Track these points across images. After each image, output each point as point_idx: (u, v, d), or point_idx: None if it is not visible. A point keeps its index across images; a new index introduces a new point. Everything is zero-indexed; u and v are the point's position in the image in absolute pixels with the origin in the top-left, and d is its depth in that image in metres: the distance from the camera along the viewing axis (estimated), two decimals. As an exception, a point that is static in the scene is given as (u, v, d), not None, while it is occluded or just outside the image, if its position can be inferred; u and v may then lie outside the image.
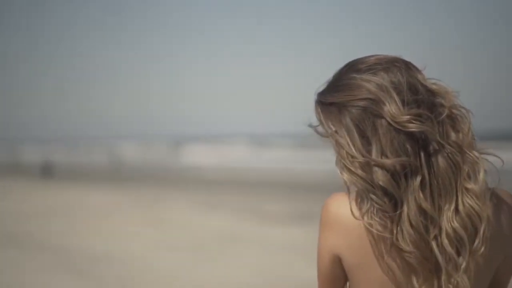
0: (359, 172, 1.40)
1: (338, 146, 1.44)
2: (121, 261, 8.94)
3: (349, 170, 1.41)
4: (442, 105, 1.43)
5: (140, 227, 12.00)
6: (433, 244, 1.39)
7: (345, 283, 1.50)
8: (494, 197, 1.46)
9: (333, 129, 1.45)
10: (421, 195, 1.39)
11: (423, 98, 1.43)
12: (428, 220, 1.39)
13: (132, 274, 8.19)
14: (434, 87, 1.45)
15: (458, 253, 1.40)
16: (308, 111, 1.51)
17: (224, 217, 12.95)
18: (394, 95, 1.42)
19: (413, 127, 1.40)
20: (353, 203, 1.43)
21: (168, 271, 8.33)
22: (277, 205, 14.72)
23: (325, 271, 1.49)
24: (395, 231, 1.39)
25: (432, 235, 1.39)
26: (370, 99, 1.42)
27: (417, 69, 1.47)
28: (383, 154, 1.40)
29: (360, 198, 1.43)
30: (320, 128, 1.49)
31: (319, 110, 1.49)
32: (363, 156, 1.41)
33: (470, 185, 1.40)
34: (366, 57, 1.49)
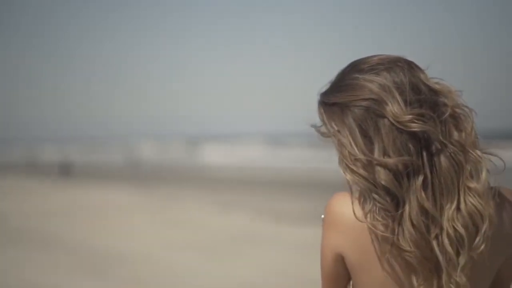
0: (361, 171, 1.41)
1: (340, 146, 1.45)
2: (137, 261, 8.98)
3: (352, 170, 1.42)
4: (445, 105, 1.43)
5: (156, 227, 12.04)
6: (434, 243, 1.40)
7: (348, 282, 1.51)
8: (498, 196, 1.46)
9: (336, 128, 1.46)
10: (423, 194, 1.39)
11: (426, 98, 1.43)
12: (430, 219, 1.40)
13: (147, 274, 8.23)
14: (437, 86, 1.45)
15: (459, 253, 1.40)
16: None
17: (239, 217, 12.96)
18: (397, 95, 1.42)
19: (416, 126, 1.40)
20: (356, 203, 1.44)
21: (184, 271, 8.36)
22: (292, 204, 14.72)
23: (328, 270, 1.50)
24: (396, 231, 1.39)
25: (433, 235, 1.40)
26: (372, 99, 1.43)
27: (419, 68, 1.47)
28: (385, 153, 1.40)
29: (363, 198, 1.43)
30: (322, 129, 1.50)
31: (322, 110, 1.49)
32: (365, 155, 1.41)
33: (473, 184, 1.40)
34: (368, 57, 1.49)
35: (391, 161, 1.39)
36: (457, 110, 1.44)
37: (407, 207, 1.39)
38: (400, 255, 1.41)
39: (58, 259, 9.07)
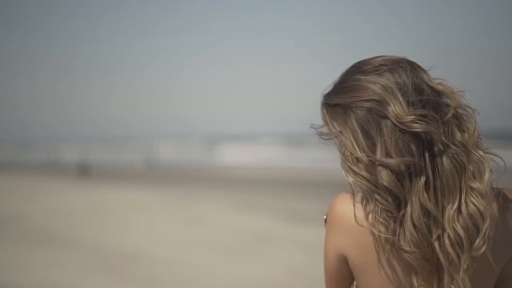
0: (363, 172, 1.41)
1: (342, 146, 1.45)
2: (154, 261, 9.02)
3: (354, 171, 1.42)
4: (447, 105, 1.43)
5: (173, 227, 12.09)
6: (436, 244, 1.40)
7: (351, 283, 1.52)
8: (501, 197, 1.46)
9: (338, 129, 1.46)
10: (425, 195, 1.39)
11: (429, 99, 1.43)
12: (432, 220, 1.40)
13: (164, 274, 8.27)
14: (439, 87, 1.45)
15: (460, 254, 1.40)
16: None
17: (257, 217, 12.98)
18: (399, 96, 1.42)
19: (418, 127, 1.40)
20: (358, 204, 1.44)
21: (200, 271, 8.39)
22: (310, 204, 14.70)
23: (332, 270, 1.51)
24: (397, 232, 1.40)
25: (435, 236, 1.40)
26: (375, 100, 1.43)
27: (422, 69, 1.47)
28: (387, 154, 1.40)
29: (365, 199, 1.43)
30: (323, 129, 1.51)
31: (325, 111, 1.50)
32: (367, 156, 1.41)
33: (475, 184, 1.40)
34: (371, 58, 1.49)
35: (393, 161, 1.40)
36: (459, 110, 1.44)
37: (409, 208, 1.40)
38: (401, 255, 1.41)
39: (76, 258, 9.14)
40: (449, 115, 1.43)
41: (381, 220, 1.41)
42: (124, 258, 9.21)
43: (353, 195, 1.45)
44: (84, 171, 28.20)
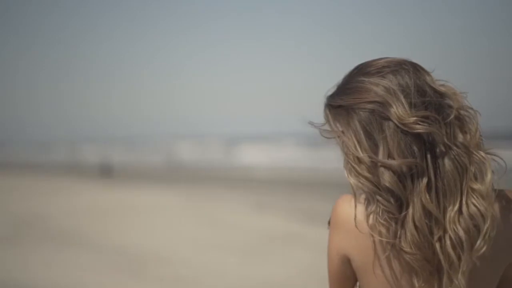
0: (365, 173, 1.42)
1: (345, 147, 1.46)
2: (173, 261, 9.07)
3: (356, 172, 1.43)
4: (450, 107, 1.44)
5: (192, 227, 12.14)
6: (437, 246, 1.40)
7: (355, 284, 1.53)
8: (503, 198, 1.46)
9: (341, 130, 1.47)
10: (427, 196, 1.39)
11: (431, 100, 1.43)
12: (433, 221, 1.40)
13: (183, 273, 8.30)
14: (442, 88, 1.46)
15: (461, 255, 1.40)
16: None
17: (275, 217, 12.98)
18: (402, 97, 1.42)
19: (420, 128, 1.40)
20: (359, 206, 1.45)
21: (218, 271, 8.41)
22: (327, 205, 14.66)
23: (335, 271, 1.52)
24: (399, 233, 1.40)
25: (436, 237, 1.40)
26: (377, 102, 1.43)
27: (425, 71, 1.48)
28: (390, 155, 1.41)
29: (367, 200, 1.44)
30: (326, 128, 1.51)
31: (328, 112, 1.51)
32: (369, 157, 1.42)
33: (477, 186, 1.41)
34: (374, 60, 1.50)
35: (395, 163, 1.40)
36: (462, 112, 1.45)
37: (410, 209, 1.40)
38: (402, 257, 1.42)
39: (96, 258, 9.20)
40: (451, 116, 1.43)
41: (382, 221, 1.41)
42: (142, 258, 9.26)
43: (355, 196, 1.46)
44: (106, 172, 28.35)
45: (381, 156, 1.42)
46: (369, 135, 1.44)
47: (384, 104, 1.44)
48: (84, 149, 49.20)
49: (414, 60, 1.49)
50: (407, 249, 1.40)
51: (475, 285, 1.44)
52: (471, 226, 1.40)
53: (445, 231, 1.40)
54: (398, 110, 1.42)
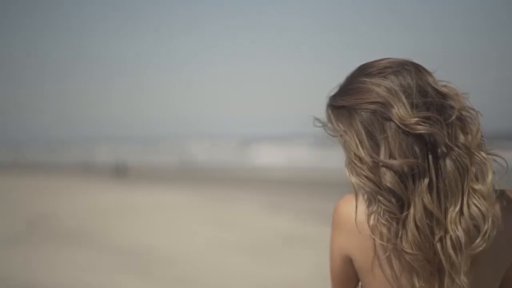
0: (367, 173, 1.42)
1: (347, 147, 1.47)
2: (185, 261, 9.09)
3: (357, 172, 1.44)
4: (451, 107, 1.44)
5: (206, 228, 12.17)
6: (438, 246, 1.40)
7: (357, 284, 1.53)
8: (504, 198, 1.46)
9: (343, 130, 1.48)
10: (428, 197, 1.40)
11: (433, 101, 1.44)
12: (434, 222, 1.40)
13: (194, 274, 8.32)
14: (444, 89, 1.46)
15: (461, 255, 1.40)
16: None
17: (289, 218, 12.99)
18: (403, 98, 1.43)
19: (421, 129, 1.41)
20: (361, 206, 1.46)
21: (231, 272, 8.43)
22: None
23: (337, 271, 1.52)
24: (400, 233, 1.41)
25: (437, 237, 1.40)
26: (379, 102, 1.44)
27: (427, 71, 1.48)
28: (391, 156, 1.41)
29: (369, 200, 1.45)
30: (330, 128, 1.52)
31: (330, 112, 1.51)
32: (371, 157, 1.42)
33: (478, 186, 1.41)
34: (377, 61, 1.51)
35: (396, 163, 1.41)
36: (463, 112, 1.45)
37: (411, 210, 1.40)
38: (403, 257, 1.42)
39: (108, 259, 9.25)
40: (453, 117, 1.44)
41: (383, 221, 1.42)
42: (154, 258, 9.29)
43: (356, 196, 1.46)
44: (120, 172, 28.46)
45: (382, 156, 1.42)
46: (370, 135, 1.44)
47: (386, 105, 1.44)
48: (98, 149, 49.45)
49: (416, 61, 1.50)
50: (408, 250, 1.40)
51: (476, 286, 1.44)
52: (471, 227, 1.41)
53: (446, 231, 1.41)
54: (400, 110, 1.43)
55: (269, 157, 38.97)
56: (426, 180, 1.41)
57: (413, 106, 1.43)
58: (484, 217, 1.40)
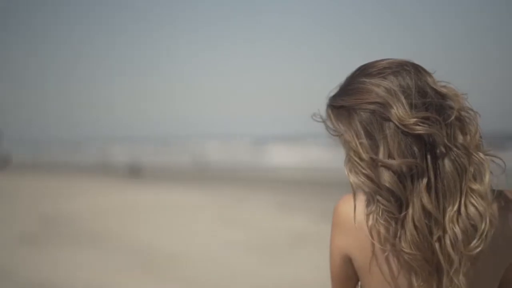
0: (366, 173, 1.43)
1: (346, 147, 1.48)
2: (196, 261, 9.11)
3: (356, 172, 1.44)
4: (451, 108, 1.45)
5: (218, 227, 12.19)
6: (436, 246, 1.41)
7: (356, 283, 1.54)
8: (502, 198, 1.46)
9: (343, 129, 1.49)
10: (426, 197, 1.40)
11: (432, 101, 1.44)
12: (432, 221, 1.41)
13: (207, 274, 8.34)
14: (443, 90, 1.47)
15: (459, 255, 1.41)
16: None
17: (301, 218, 12.97)
18: (402, 98, 1.44)
19: (420, 129, 1.41)
20: (360, 205, 1.46)
21: (242, 271, 8.44)
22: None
23: (337, 271, 1.53)
24: (398, 233, 1.41)
25: (435, 237, 1.41)
26: (378, 102, 1.45)
27: (427, 72, 1.49)
28: (390, 156, 1.42)
29: (368, 200, 1.45)
30: (330, 128, 1.52)
31: (330, 112, 1.52)
32: (370, 157, 1.43)
33: (476, 186, 1.41)
34: (377, 61, 1.51)
35: (395, 163, 1.41)
36: (462, 113, 1.46)
37: (410, 210, 1.41)
38: (401, 256, 1.43)
39: (121, 259, 9.29)
40: (452, 117, 1.44)
41: (382, 221, 1.42)
42: (166, 258, 9.32)
43: (354, 196, 1.47)
44: (135, 172, 28.54)
45: (381, 156, 1.43)
46: (370, 135, 1.45)
47: (385, 105, 1.45)
48: (112, 149, 49.62)
49: (416, 61, 1.51)
50: (407, 249, 1.41)
51: (475, 286, 1.45)
52: (469, 226, 1.41)
53: (444, 231, 1.41)
54: (399, 111, 1.43)
55: (282, 157, 38.93)
56: (425, 180, 1.41)
57: (412, 106, 1.44)
58: (481, 216, 1.41)
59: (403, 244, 1.41)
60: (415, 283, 1.43)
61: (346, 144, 1.48)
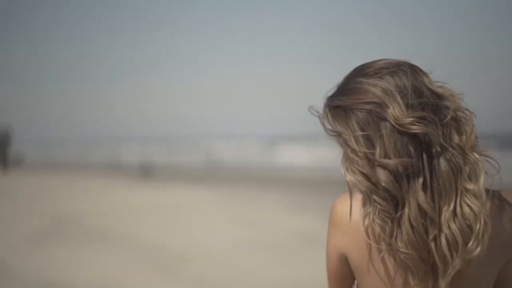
0: (362, 172, 1.44)
1: (343, 146, 1.49)
2: (206, 260, 9.13)
3: (353, 171, 1.45)
4: (447, 108, 1.45)
5: (229, 227, 12.20)
6: (432, 245, 1.41)
7: (353, 283, 1.55)
8: (497, 198, 1.47)
9: (340, 129, 1.50)
10: (422, 196, 1.41)
11: (428, 101, 1.45)
12: (428, 221, 1.41)
13: (217, 273, 8.36)
14: (439, 90, 1.47)
15: (455, 254, 1.41)
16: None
17: (312, 218, 12.97)
18: (399, 98, 1.45)
19: (416, 129, 1.42)
20: (356, 205, 1.47)
21: (252, 271, 8.45)
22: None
23: (333, 270, 1.55)
24: (395, 232, 1.42)
25: (431, 236, 1.41)
26: (375, 102, 1.46)
27: (423, 72, 1.49)
28: (386, 155, 1.43)
29: (364, 200, 1.46)
30: (328, 127, 1.53)
31: (327, 112, 1.53)
32: (366, 156, 1.44)
33: (471, 186, 1.42)
34: (373, 62, 1.52)
35: (391, 162, 1.42)
36: (458, 113, 1.46)
37: (406, 209, 1.42)
38: (398, 256, 1.43)
39: (133, 257, 9.33)
40: (448, 117, 1.45)
41: (378, 220, 1.43)
42: (178, 257, 9.35)
43: (351, 195, 1.48)
44: (146, 171, 28.61)
45: (377, 155, 1.44)
46: (366, 135, 1.46)
47: (381, 105, 1.46)
48: (124, 149, 49.78)
49: (416, 61, 1.52)
50: (403, 249, 1.41)
51: (470, 285, 1.45)
52: (465, 226, 1.41)
53: (440, 230, 1.42)
54: (395, 110, 1.44)
55: (293, 156, 38.92)
56: (421, 180, 1.42)
57: (408, 106, 1.44)
58: (476, 216, 1.41)
59: (399, 243, 1.42)
60: (411, 283, 1.43)
61: (344, 144, 1.49)
